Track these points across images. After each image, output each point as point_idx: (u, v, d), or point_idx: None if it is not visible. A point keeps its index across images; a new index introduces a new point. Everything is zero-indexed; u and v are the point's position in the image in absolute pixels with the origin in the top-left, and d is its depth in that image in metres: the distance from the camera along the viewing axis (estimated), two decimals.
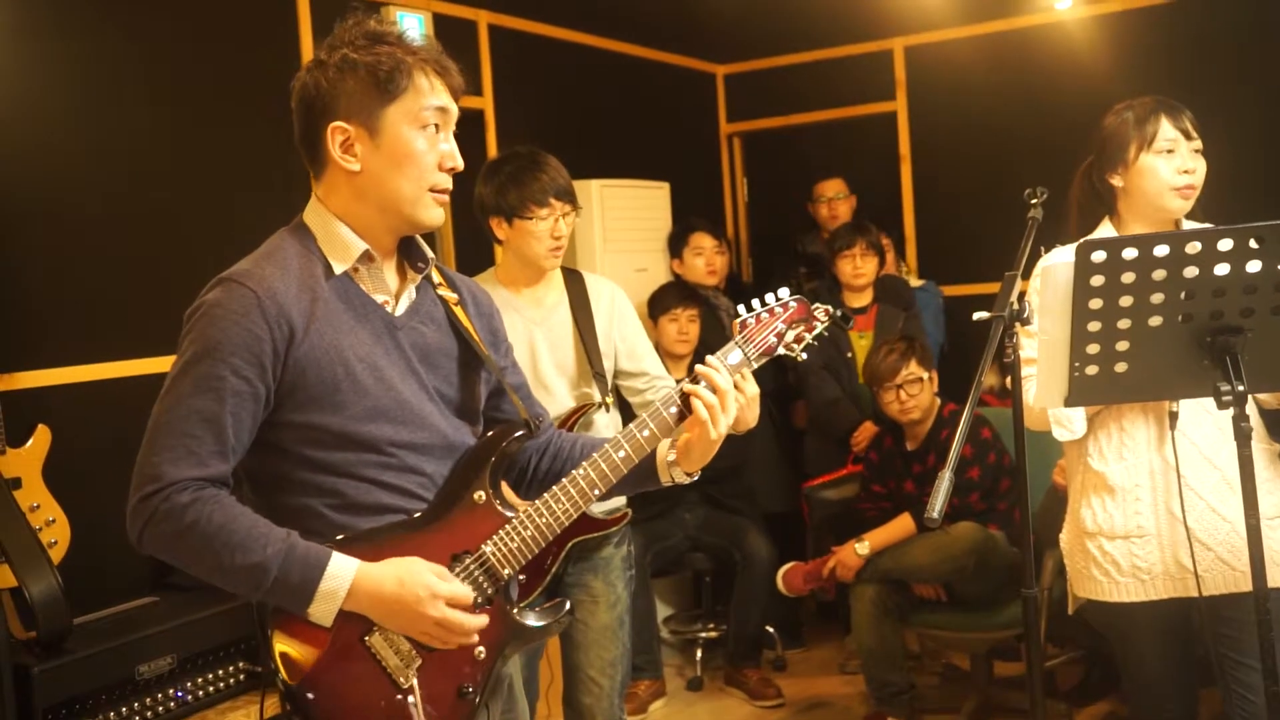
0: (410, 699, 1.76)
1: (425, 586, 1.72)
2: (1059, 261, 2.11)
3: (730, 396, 1.89)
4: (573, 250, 4.70)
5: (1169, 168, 2.50)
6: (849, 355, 4.68)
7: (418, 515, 1.82)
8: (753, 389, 1.97)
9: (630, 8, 5.15)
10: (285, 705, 1.76)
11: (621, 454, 1.88)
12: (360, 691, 1.74)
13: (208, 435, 1.68)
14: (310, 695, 1.73)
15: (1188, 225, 2.56)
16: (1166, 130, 2.51)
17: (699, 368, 1.91)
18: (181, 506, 1.66)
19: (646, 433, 1.89)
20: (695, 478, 1.98)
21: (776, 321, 2.02)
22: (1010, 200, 2.74)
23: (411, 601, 1.71)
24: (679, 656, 4.91)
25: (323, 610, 1.71)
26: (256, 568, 1.67)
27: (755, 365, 1.99)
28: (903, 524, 3.97)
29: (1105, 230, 2.59)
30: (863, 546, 3.96)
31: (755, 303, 2.04)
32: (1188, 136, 2.51)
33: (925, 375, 4.04)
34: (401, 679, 1.76)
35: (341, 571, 1.70)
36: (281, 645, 1.74)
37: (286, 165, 3.57)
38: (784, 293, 2.05)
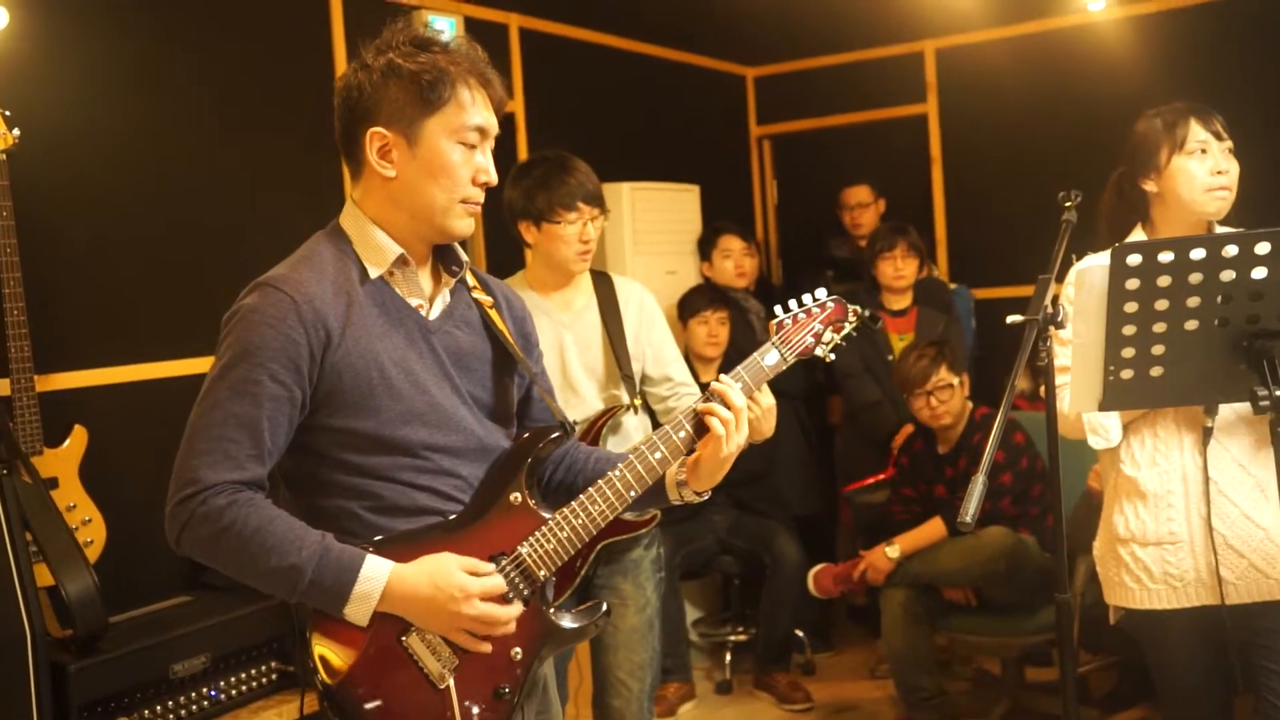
0: (448, 700, 1.77)
1: (459, 587, 1.72)
2: (1094, 264, 2.10)
3: (744, 415, 1.90)
4: (603, 253, 4.71)
5: (1202, 169, 2.48)
6: (889, 358, 4.63)
7: (454, 517, 1.83)
8: (768, 400, 1.97)
9: (661, 11, 5.16)
10: (324, 705, 1.77)
11: (658, 455, 1.89)
12: (398, 692, 1.75)
13: (244, 439, 1.70)
14: (348, 696, 1.74)
15: (1221, 230, 2.54)
16: (1197, 132, 2.49)
17: (713, 385, 1.91)
18: (218, 510, 1.68)
19: (683, 434, 1.90)
20: (705, 497, 1.97)
21: (814, 322, 2.02)
22: (1042, 203, 2.73)
23: (446, 602, 1.72)
24: (708, 660, 4.90)
25: (358, 611, 1.72)
26: (291, 570, 1.68)
27: (789, 364, 1.99)
28: (933, 527, 3.95)
29: (1137, 238, 2.57)
30: (893, 550, 3.94)
31: (792, 303, 2.02)
32: (1219, 138, 2.49)
33: (955, 380, 4.02)
34: (439, 680, 1.77)
35: (375, 574, 1.71)
36: (320, 646, 1.75)
37: (321, 169, 3.61)
38: (821, 293, 2.04)
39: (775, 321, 2.00)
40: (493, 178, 1.82)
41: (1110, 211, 2.64)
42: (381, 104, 1.76)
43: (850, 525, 4.64)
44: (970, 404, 4.10)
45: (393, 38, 1.79)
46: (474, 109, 1.78)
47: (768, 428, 1.99)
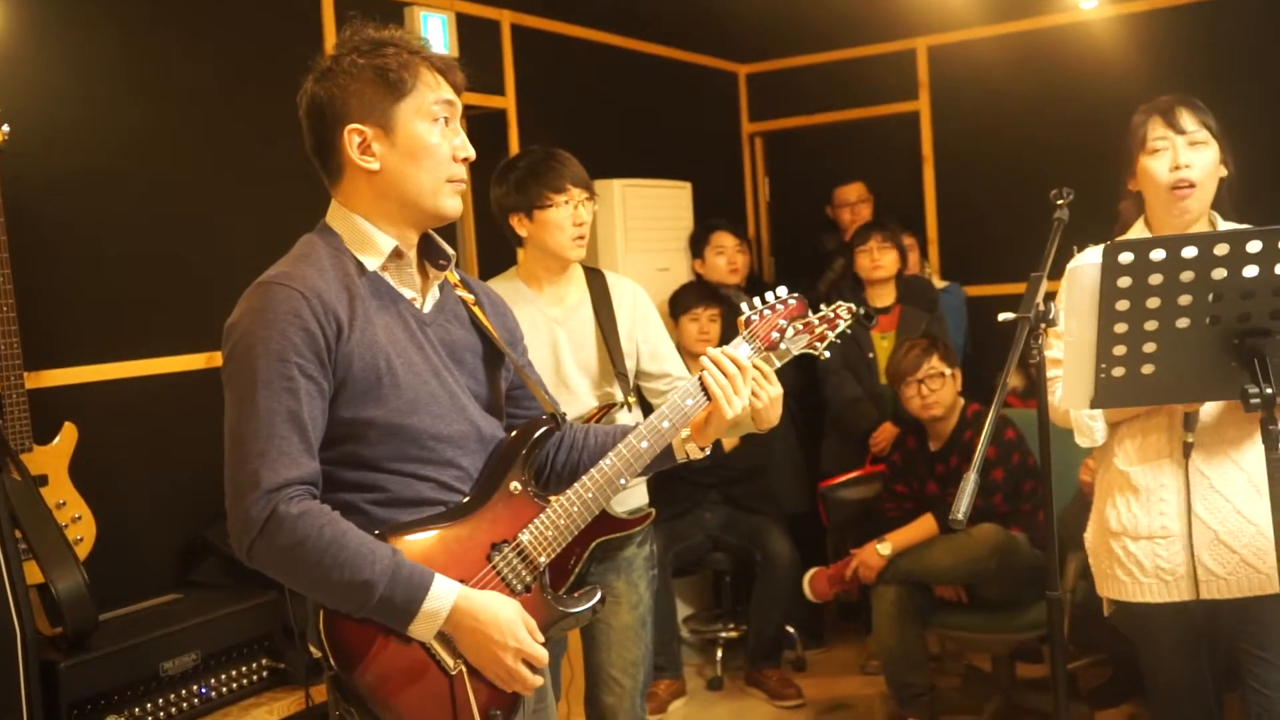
0: (461, 684, 1.78)
1: (516, 637, 1.77)
2: (1086, 263, 2.11)
3: (738, 379, 1.98)
4: (594, 249, 4.70)
5: (1161, 167, 2.50)
6: (870, 355, 4.67)
7: (456, 506, 1.86)
8: (775, 390, 2.05)
9: (653, 7, 5.15)
10: (334, 694, 1.79)
11: (645, 444, 1.96)
12: (411, 678, 1.77)
13: (293, 435, 1.71)
14: (361, 682, 1.75)
15: (1224, 226, 2.54)
16: (1155, 130, 2.51)
17: (703, 359, 2.01)
18: (293, 518, 1.68)
19: (666, 425, 1.98)
20: (707, 452, 2.05)
21: (777, 318, 2.11)
22: (1034, 201, 2.73)
23: (499, 643, 1.76)
24: (699, 656, 4.91)
25: (423, 629, 1.74)
26: (364, 585, 1.69)
27: (778, 364, 2.05)
28: (925, 524, 3.96)
29: (1138, 231, 2.59)
30: (884, 547, 3.95)
31: (757, 300, 2.12)
32: (1180, 131, 2.49)
33: (948, 371, 4.03)
34: (450, 665, 1.79)
35: (444, 593, 1.74)
36: (332, 635, 1.75)
37: (313, 166, 3.60)
38: (782, 290, 2.14)
39: (743, 318, 2.10)
40: (470, 152, 1.87)
41: (1124, 202, 2.67)
42: (351, 102, 1.81)
43: (827, 522, 4.66)
44: (962, 400, 4.10)
45: (347, 42, 1.85)
46: (439, 88, 1.84)
47: (774, 415, 2.07)
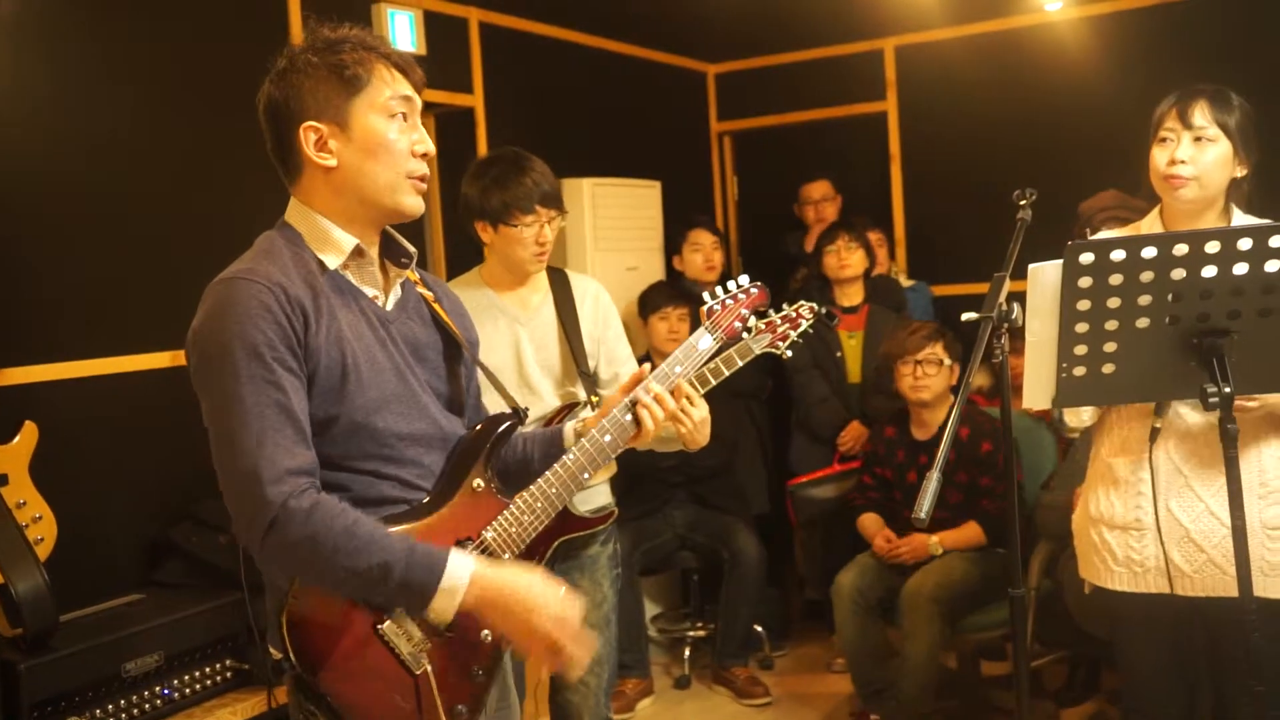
0: (426, 683, 1.78)
1: (551, 598, 1.74)
2: (1047, 263, 2.13)
3: (669, 415, 2.04)
4: (563, 249, 4.70)
5: (1162, 157, 2.51)
6: (838, 354, 4.68)
7: (419, 505, 1.85)
8: (701, 413, 2.07)
9: (622, 6, 5.15)
10: (297, 696, 1.77)
11: (608, 438, 1.98)
12: (375, 678, 1.76)
13: (286, 426, 1.69)
14: (326, 684, 1.74)
15: (1239, 220, 2.54)
16: (1167, 120, 2.52)
17: (650, 386, 2.03)
18: (304, 513, 1.66)
19: (630, 417, 2.01)
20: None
21: (740, 307, 2.12)
22: (1001, 200, 2.74)
23: (538, 604, 1.74)
24: (666, 655, 4.91)
25: (443, 606, 1.72)
26: (383, 567, 1.68)
27: (740, 362, 2.05)
28: (971, 530, 3.93)
29: (1151, 221, 2.61)
30: (936, 546, 3.90)
31: (719, 289, 2.12)
32: (1188, 126, 2.49)
33: (947, 361, 4.02)
34: (414, 664, 1.78)
35: (460, 569, 1.72)
36: (295, 636, 1.74)
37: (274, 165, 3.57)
38: (744, 279, 2.14)
39: (705, 308, 2.11)
40: (430, 147, 1.85)
41: (1085, 202, 2.68)
42: (306, 100, 1.79)
43: (795, 521, 4.67)
44: (954, 396, 4.11)
45: (301, 44, 1.84)
46: (396, 84, 1.83)
47: (702, 438, 2.09)
